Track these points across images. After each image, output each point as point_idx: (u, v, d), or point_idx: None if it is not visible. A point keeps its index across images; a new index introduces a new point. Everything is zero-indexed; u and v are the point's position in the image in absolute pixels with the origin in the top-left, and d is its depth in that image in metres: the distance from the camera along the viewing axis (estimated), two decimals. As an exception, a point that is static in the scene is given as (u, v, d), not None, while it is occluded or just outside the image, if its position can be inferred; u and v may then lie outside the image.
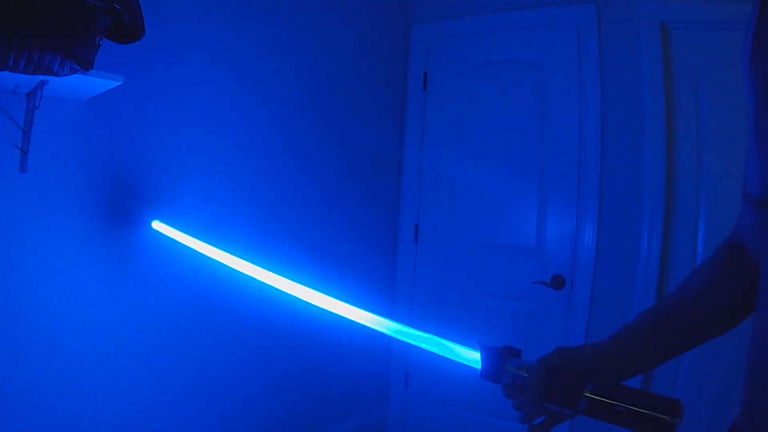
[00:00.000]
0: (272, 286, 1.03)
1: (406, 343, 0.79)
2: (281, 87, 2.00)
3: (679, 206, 2.08)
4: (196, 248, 1.32)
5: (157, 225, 1.49)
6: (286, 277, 1.01)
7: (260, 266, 1.09)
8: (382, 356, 2.65)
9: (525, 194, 2.38)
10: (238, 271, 1.15)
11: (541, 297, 2.31)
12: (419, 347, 0.78)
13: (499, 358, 0.69)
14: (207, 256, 1.27)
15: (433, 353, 0.76)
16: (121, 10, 1.10)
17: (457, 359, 0.74)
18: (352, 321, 0.84)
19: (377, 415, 2.63)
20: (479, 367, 0.71)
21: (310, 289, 0.95)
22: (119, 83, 1.22)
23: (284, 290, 1.00)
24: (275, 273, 1.04)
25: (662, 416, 0.56)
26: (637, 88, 2.13)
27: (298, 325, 2.09)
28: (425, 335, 0.78)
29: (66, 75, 1.07)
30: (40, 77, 1.09)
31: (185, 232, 1.38)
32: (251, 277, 1.10)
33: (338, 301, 0.90)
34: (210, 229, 1.63)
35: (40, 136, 1.31)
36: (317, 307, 0.92)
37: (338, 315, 0.88)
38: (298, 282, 0.98)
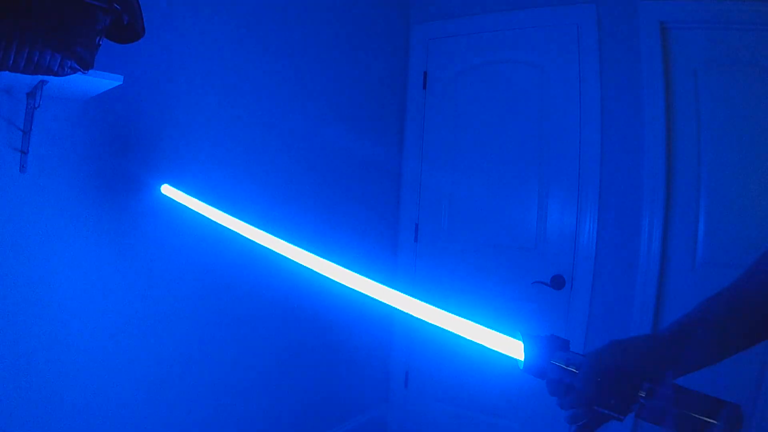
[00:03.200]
0: (277, 257, 0.95)
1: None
2: (281, 86, 2.00)
3: (679, 206, 2.09)
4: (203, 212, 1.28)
5: (166, 189, 1.47)
6: (298, 246, 0.94)
7: (266, 231, 1.02)
8: (382, 356, 2.65)
9: (525, 194, 2.38)
10: (240, 238, 1.09)
11: (541, 297, 2.31)
12: (458, 335, 0.71)
13: (545, 351, 0.63)
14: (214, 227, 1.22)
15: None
16: (121, 10, 1.10)
17: (495, 349, 0.67)
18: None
19: (377, 414, 2.63)
20: (520, 358, 0.64)
21: (326, 260, 0.88)
22: (119, 83, 1.22)
23: (297, 260, 0.93)
24: (283, 239, 0.96)
25: (720, 424, 0.52)
26: (637, 87, 2.13)
27: (298, 324, 2.09)
28: (461, 320, 0.71)
29: (66, 75, 1.07)
30: (40, 77, 1.09)
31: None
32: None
33: (356, 275, 0.82)
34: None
35: (39, 137, 1.31)
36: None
37: (351, 290, 0.81)
38: (311, 251, 0.91)
